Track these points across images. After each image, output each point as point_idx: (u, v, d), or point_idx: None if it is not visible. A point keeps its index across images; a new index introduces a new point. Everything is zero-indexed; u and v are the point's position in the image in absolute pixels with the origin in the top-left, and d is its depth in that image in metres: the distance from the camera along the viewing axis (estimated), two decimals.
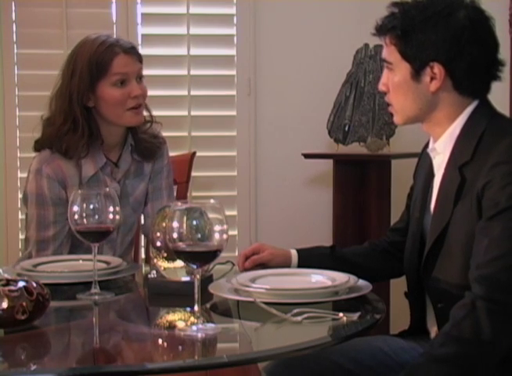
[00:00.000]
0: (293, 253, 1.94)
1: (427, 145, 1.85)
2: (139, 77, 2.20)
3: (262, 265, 1.92)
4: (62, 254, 2.19)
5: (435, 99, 1.69)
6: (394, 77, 1.71)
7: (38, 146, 2.24)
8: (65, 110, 2.17)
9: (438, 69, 1.65)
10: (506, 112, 2.94)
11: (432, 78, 1.66)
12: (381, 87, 1.76)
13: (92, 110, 2.19)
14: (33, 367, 1.33)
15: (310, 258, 1.92)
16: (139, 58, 2.21)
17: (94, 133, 2.19)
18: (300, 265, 1.91)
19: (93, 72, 2.14)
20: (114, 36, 2.22)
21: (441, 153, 1.73)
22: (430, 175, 1.78)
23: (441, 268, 1.67)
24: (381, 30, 1.72)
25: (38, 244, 2.20)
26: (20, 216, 3.12)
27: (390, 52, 1.71)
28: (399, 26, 1.67)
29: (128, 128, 2.26)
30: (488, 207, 1.54)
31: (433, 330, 1.75)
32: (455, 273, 1.62)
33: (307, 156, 3.07)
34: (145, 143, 2.29)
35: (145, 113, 2.29)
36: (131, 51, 2.18)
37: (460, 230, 1.62)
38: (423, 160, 1.87)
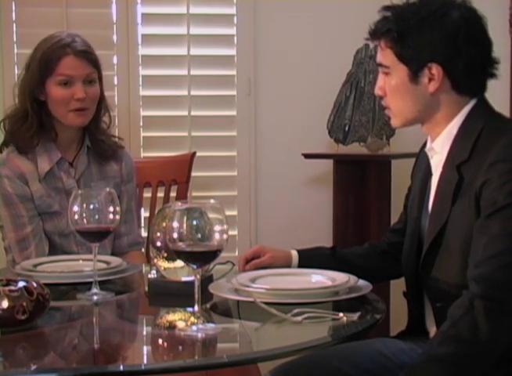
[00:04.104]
0: (294, 254, 1.94)
1: (424, 145, 1.85)
2: (89, 81, 2.22)
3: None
4: (44, 249, 2.22)
5: (434, 99, 1.69)
6: (391, 81, 1.71)
7: (2, 144, 2.31)
8: (20, 101, 2.28)
9: (436, 69, 1.65)
10: (506, 111, 2.94)
11: (430, 79, 1.67)
12: (378, 91, 1.76)
13: (45, 104, 2.24)
14: (33, 367, 1.33)
15: (310, 259, 1.92)
16: (93, 62, 2.23)
17: (45, 125, 2.24)
18: (300, 266, 1.91)
19: (42, 69, 2.21)
20: (73, 37, 2.24)
21: (438, 153, 1.73)
22: (428, 174, 1.78)
23: (439, 267, 1.67)
24: (375, 34, 1.72)
25: (19, 243, 2.22)
26: None
27: (385, 56, 1.71)
28: (394, 29, 1.66)
29: (84, 130, 2.30)
30: (487, 205, 1.54)
31: (432, 330, 1.75)
32: (453, 272, 1.62)
33: (307, 156, 3.07)
34: (100, 144, 2.32)
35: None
36: (82, 54, 2.21)
37: (458, 229, 1.62)
38: (421, 160, 1.87)
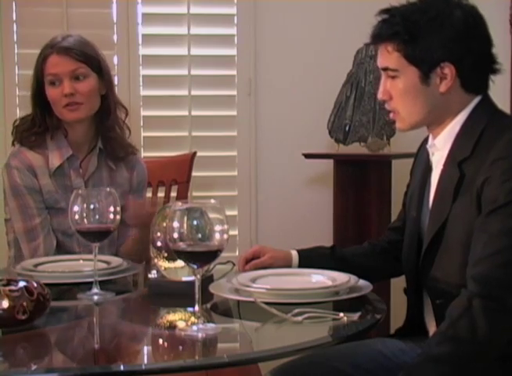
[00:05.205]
0: (294, 254, 1.93)
1: (424, 141, 1.85)
2: (76, 77, 2.23)
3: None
4: (52, 243, 2.23)
5: (443, 99, 1.68)
6: (399, 84, 1.69)
7: (14, 140, 2.35)
8: (31, 105, 2.31)
9: (448, 69, 1.65)
10: (506, 111, 2.94)
11: (442, 79, 1.66)
12: (382, 96, 1.73)
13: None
14: (33, 367, 1.33)
15: (310, 259, 1.92)
16: (79, 58, 2.23)
17: (50, 127, 2.27)
18: (300, 266, 1.91)
19: (36, 72, 2.26)
20: (63, 37, 2.26)
21: (440, 150, 1.72)
22: (428, 171, 1.78)
23: (439, 264, 1.67)
24: (380, 37, 1.70)
25: (27, 234, 2.23)
26: None
27: (393, 59, 1.68)
28: (403, 31, 1.65)
29: (97, 131, 2.31)
30: (487, 203, 1.54)
31: (431, 327, 1.75)
32: (454, 269, 1.62)
33: (307, 156, 3.07)
34: (112, 143, 2.33)
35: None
36: (64, 51, 2.22)
37: (459, 227, 1.62)
38: (420, 156, 1.87)
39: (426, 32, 1.64)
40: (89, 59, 2.26)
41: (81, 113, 2.25)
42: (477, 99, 1.70)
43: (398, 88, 1.70)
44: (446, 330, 1.47)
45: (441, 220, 1.65)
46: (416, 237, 1.77)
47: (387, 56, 1.70)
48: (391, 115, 1.75)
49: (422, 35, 1.64)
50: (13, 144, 2.34)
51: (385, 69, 1.72)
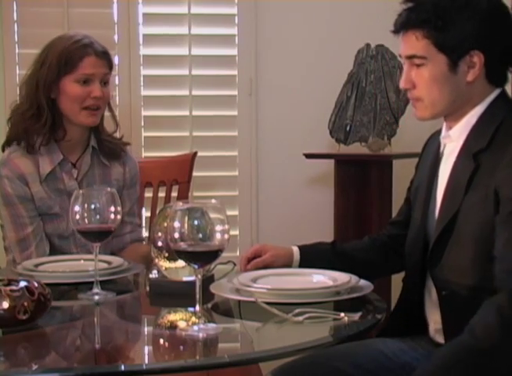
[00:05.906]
0: (295, 250, 1.93)
1: (432, 135, 1.84)
2: (104, 82, 2.24)
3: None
4: (44, 250, 2.22)
5: (468, 89, 1.67)
6: (426, 72, 1.67)
7: (4, 143, 2.30)
8: (31, 97, 2.25)
9: (477, 57, 1.64)
10: None
11: (469, 68, 1.65)
12: (405, 84, 1.71)
13: (55, 102, 2.24)
14: (34, 367, 1.33)
15: (311, 254, 1.92)
16: (109, 64, 2.27)
17: (57, 124, 2.24)
18: (301, 262, 1.91)
19: (61, 65, 2.21)
20: (90, 39, 2.26)
21: (454, 141, 1.71)
22: (437, 163, 1.77)
23: (449, 256, 1.65)
24: (408, 25, 1.67)
25: (20, 243, 2.22)
26: None
27: (421, 47, 1.66)
28: (435, 18, 1.63)
29: (90, 130, 2.30)
30: (508, 200, 1.52)
31: (432, 319, 1.74)
32: (465, 262, 1.61)
33: (308, 156, 3.07)
34: (107, 143, 2.33)
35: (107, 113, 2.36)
36: (103, 55, 2.24)
37: (472, 219, 1.60)
38: (428, 150, 1.86)
39: (457, 20, 1.63)
40: (112, 66, 2.29)
41: (98, 118, 2.26)
42: (496, 92, 1.69)
43: (425, 76, 1.67)
44: (475, 325, 1.43)
45: (453, 211, 1.64)
46: (422, 230, 1.76)
47: (415, 44, 1.67)
48: (413, 103, 1.73)
49: (453, 23, 1.63)
50: (3, 149, 2.30)
51: (411, 57, 1.69)
